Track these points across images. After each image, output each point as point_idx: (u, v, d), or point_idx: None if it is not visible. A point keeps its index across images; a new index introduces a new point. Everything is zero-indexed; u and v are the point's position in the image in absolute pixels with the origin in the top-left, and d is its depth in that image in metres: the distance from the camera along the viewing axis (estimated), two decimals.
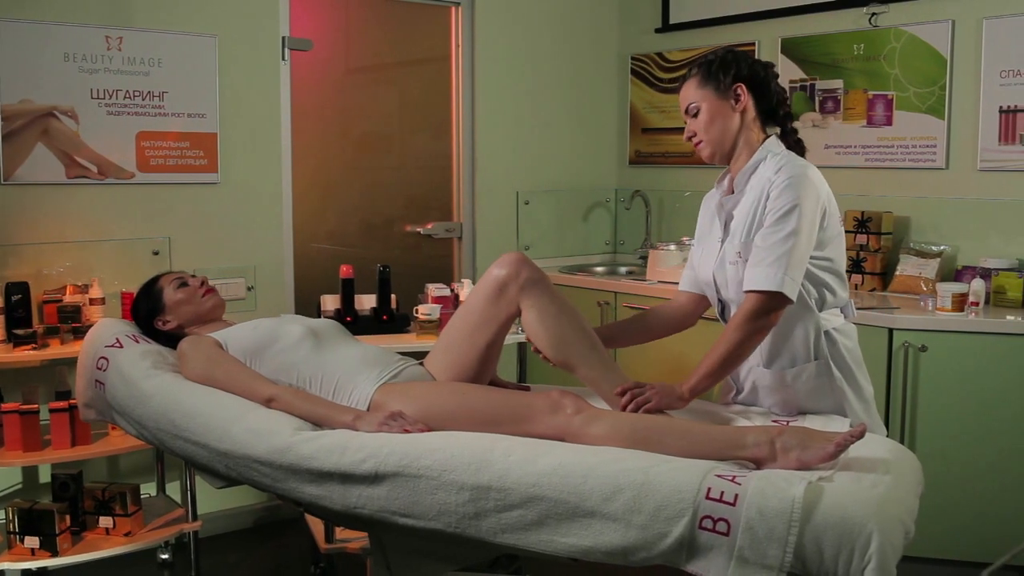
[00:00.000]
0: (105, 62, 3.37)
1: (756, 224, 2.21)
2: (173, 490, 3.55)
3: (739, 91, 2.25)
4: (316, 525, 3.20)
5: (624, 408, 2.18)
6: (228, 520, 3.76)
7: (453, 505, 1.98)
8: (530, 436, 2.13)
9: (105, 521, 3.12)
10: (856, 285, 3.75)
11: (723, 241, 2.31)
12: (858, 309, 3.34)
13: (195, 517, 3.28)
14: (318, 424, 2.25)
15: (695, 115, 2.28)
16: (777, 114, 2.32)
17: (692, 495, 1.80)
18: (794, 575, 1.76)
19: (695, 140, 2.30)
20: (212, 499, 3.60)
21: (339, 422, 2.21)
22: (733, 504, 1.78)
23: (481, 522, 1.97)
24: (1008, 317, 3.14)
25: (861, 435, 1.94)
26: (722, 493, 1.80)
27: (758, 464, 1.98)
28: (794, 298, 2.16)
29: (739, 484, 1.81)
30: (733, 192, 2.33)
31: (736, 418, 2.32)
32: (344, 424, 2.20)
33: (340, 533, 3.14)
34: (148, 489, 3.50)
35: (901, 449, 2.16)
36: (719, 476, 1.84)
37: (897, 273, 3.67)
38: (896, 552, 1.77)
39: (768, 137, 2.30)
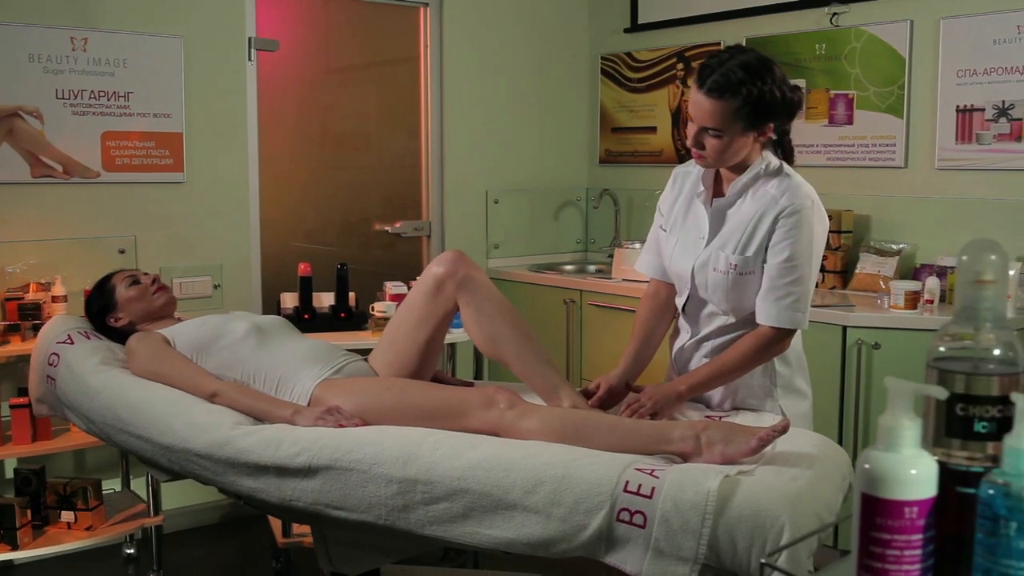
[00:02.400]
0: (70, 63, 3.42)
1: (756, 242, 2.18)
2: (140, 486, 3.59)
3: (768, 129, 2.16)
4: (275, 520, 3.24)
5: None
6: (194, 516, 3.80)
7: (382, 498, 2.02)
8: (465, 431, 2.16)
9: (67, 516, 3.16)
10: (817, 283, 3.77)
11: (708, 242, 2.25)
12: (814, 307, 3.38)
13: (157, 512, 3.32)
14: (259, 419, 2.30)
15: (716, 136, 2.12)
16: (782, 140, 2.26)
17: (610, 488, 1.84)
18: (709, 567, 1.79)
19: (700, 154, 2.17)
20: (179, 495, 3.64)
21: (278, 417, 2.26)
22: (650, 497, 1.82)
23: (409, 514, 2.01)
24: None
25: (784, 430, 1.97)
26: (639, 486, 1.83)
27: (685, 458, 2.01)
28: (806, 327, 2.25)
29: (657, 477, 1.84)
30: (723, 195, 2.26)
31: (679, 413, 2.35)
32: (283, 419, 2.25)
33: (297, 528, 3.18)
34: (113, 484, 3.54)
35: (829, 444, 2.18)
36: (638, 470, 1.87)
37: (857, 271, 3.70)
38: (808, 544, 1.80)
39: (764, 152, 2.23)
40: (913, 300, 3.24)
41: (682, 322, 2.42)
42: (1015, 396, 0.84)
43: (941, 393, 0.90)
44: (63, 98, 3.41)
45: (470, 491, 1.94)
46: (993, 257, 0.92)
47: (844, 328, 3.23)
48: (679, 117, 4.45)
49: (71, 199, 3.47)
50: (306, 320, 3.24)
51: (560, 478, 1.88)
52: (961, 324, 0.94)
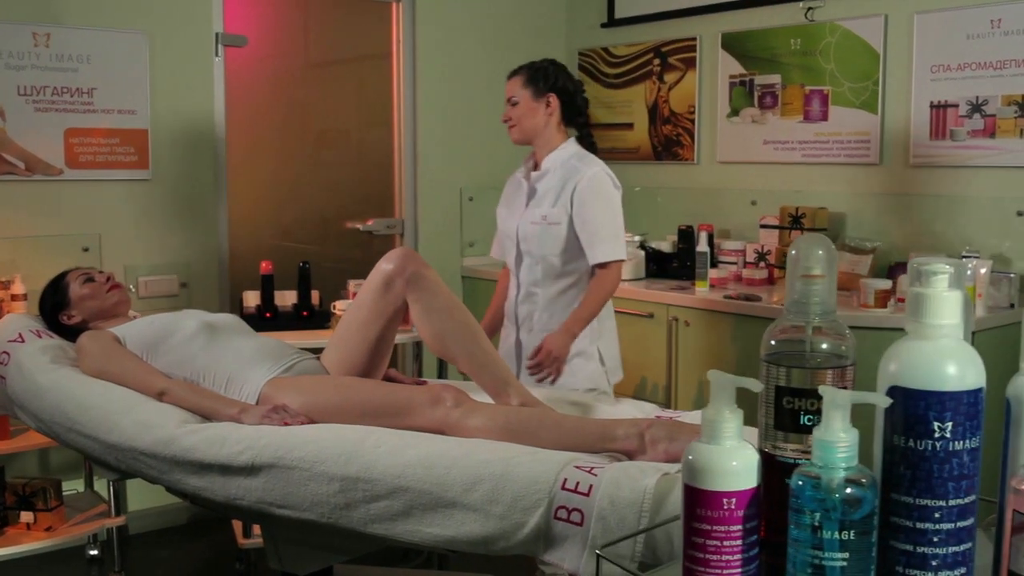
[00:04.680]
0: (32, 59, 3.38)
1: (563, 198, 2.82)
2: (103, 486, 3.55)
3: (550, 99, 2.87)
4: (237, 521, 3.20)
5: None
6: (161, 517, 3.77)
7: (325, 496, 1.99)
8: (412, 429, 2.14)
9: (26, 516, 3.13)
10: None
11: (527, 204, 2.90)
12: (783, 305, 3.34)
13: (118, 512, 3.29)
14: (207, 417, 2.27)
15: (514, 104, 2.88)
16: (577, 120, 2.94)
17: (548, 485, 1.80)
18: (646, 564, 1.75)
19: (510, 124, 2.90)
20: (145, 496, 3.60)
21: (225, 415, 2.23)
22: (587, 495, 1.78)
23: (352, 512, 1.98)
24: None
25: None
26: (577, 484, 1.80)
27: (629, 456, 1.98)
28: (625, 256, 2.89)
29: (595, 475, 1.80)
30: (537, 170, 2.93)
31: (634, 412, 2.32)
32: (230, 417, 2.22)
33: (258, 529, 3.14)
34: (76, 485, 3.50)
35: None
36: (577, 467, 1.84)
37: None
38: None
39: (569, 138, 2.93)
40: (883, 298, 3.20)
41: (512, 280, 2.99)
42: (823, 389, 0.85)
43: (755, 386, 0.91)
44: (25, 94, 3.38)
45: (410, 489, 1.91)
46: (820, 252, 0.93)
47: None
48: (656, 113, 4.41)
49: (33, 197, 3.44)
50: (267, 319, 3.21)
51: (499, 476, 1.85)
52: (792, 318, 0.94)
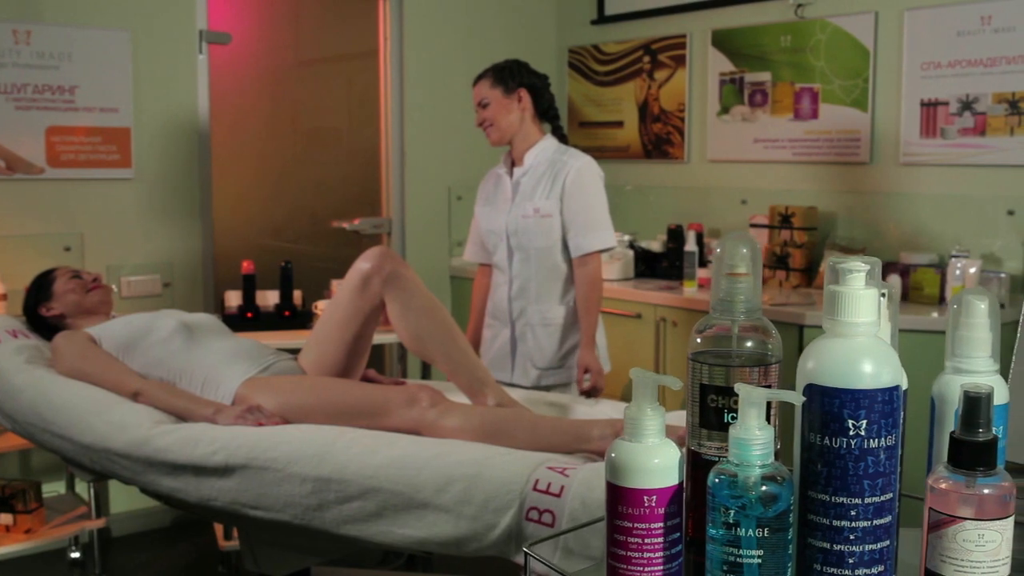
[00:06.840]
0: (13, 56, 3.34)
1: (553, 190, 2.85)
2: (85, 488, 3.51)
3: (521, 94, 2.90)
4: (219, 524, 3.17)
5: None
6: (144, 519, 3.72)
7: (297, 497, 1.98)
8: (388, 429, 2.12)
9: (5, 518, 3.09)
10: (780, 281, 3.71)
11: (513, 200, 2.92)
12: (772, 306, 3.31)
13: (99, 514, 3.25)
14: (182, 418, 2.26)
15: (485, 107, 2.91)
16: (548, 114, 2.97)
17: (519, 487, 1.78)
18: None
19: (486, 125, 2.93)
20: (127, 498, 3.57)
21: (200, 416, 2.22)
22: (559, 495, 1.77)
23: (324, 513, 1.96)
24: (934, 315, 3.10)
25: None
26: (549, 485, 1.78)
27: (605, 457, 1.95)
28: (614, 243, 2.95)
29: (567, 476, 1.78)
30: (518, 165, 2.94)
31: (612, 412, 2.29)
32: (205, 418, 2.21)
33: (238, 531, 3.11)
34: (57, 487, 3.47)
35: None
36: (550, 468, 1.82)
37: (821, 269, 3.62)
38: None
39: (546, 133, 2.97)
40: None
41: (497, 277, 2.99)
42: (739, 386, 0.85)
43: (675, 384, 0.91)
44: (5, 92, 3.34)
45: (382, 490, 1.89)
46: (745, 250, 0.94)
47: (801, 327, 3.15)
48: (646, 111, 4.38)
49: (14, 196, 3.40)
50: (249, 319, 3.17)
51: (471, 477, 1.83)
52: (717, 316, 0.95)
